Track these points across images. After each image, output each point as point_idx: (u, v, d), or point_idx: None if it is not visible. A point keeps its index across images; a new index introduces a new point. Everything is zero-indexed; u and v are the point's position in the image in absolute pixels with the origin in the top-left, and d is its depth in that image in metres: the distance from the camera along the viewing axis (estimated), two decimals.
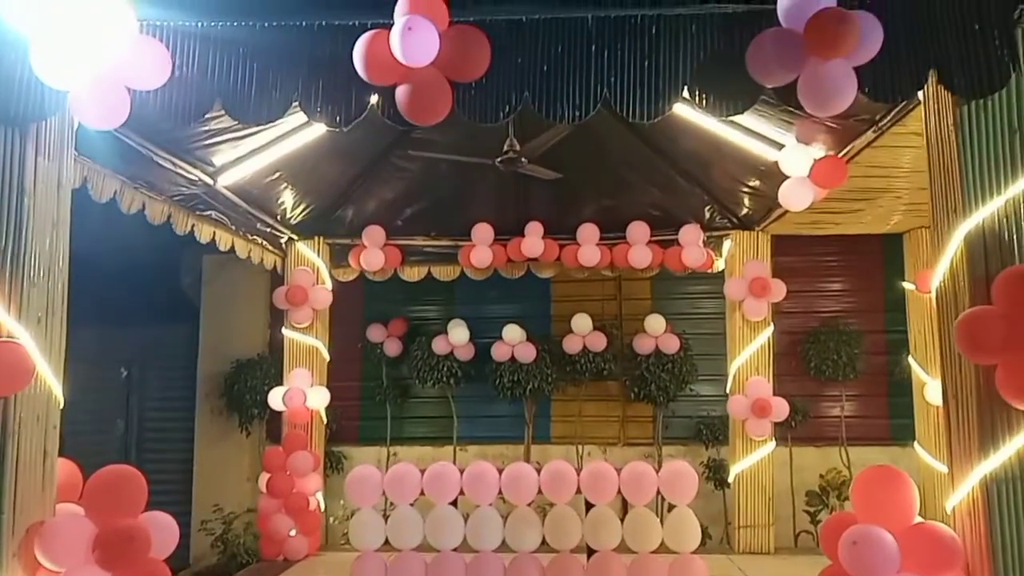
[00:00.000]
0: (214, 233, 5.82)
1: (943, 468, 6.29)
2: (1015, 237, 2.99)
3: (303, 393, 6.68)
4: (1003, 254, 2.99)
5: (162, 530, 3.29)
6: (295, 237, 7.02)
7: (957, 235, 3.09)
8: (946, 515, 3.15)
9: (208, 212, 5.63)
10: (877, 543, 2.82)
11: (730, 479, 6.90)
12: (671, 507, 6.42)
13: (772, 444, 6.77)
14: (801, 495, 7.55)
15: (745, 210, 6.72)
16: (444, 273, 7.38)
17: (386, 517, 4.42)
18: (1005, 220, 3.02)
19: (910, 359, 6.96)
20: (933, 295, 3.28)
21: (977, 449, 2.92)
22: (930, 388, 6.64)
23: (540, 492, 4.35)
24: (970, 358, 2.89)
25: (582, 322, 7.66)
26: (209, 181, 5.27)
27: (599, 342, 7.68)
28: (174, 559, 8.10)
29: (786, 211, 6.14)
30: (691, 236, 6.84)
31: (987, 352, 2.78)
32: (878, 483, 3.02)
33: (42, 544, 3.08)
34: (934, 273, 3.26)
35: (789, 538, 7.39)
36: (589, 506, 4.37)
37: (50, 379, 3.31)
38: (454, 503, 4.42)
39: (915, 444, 6.88)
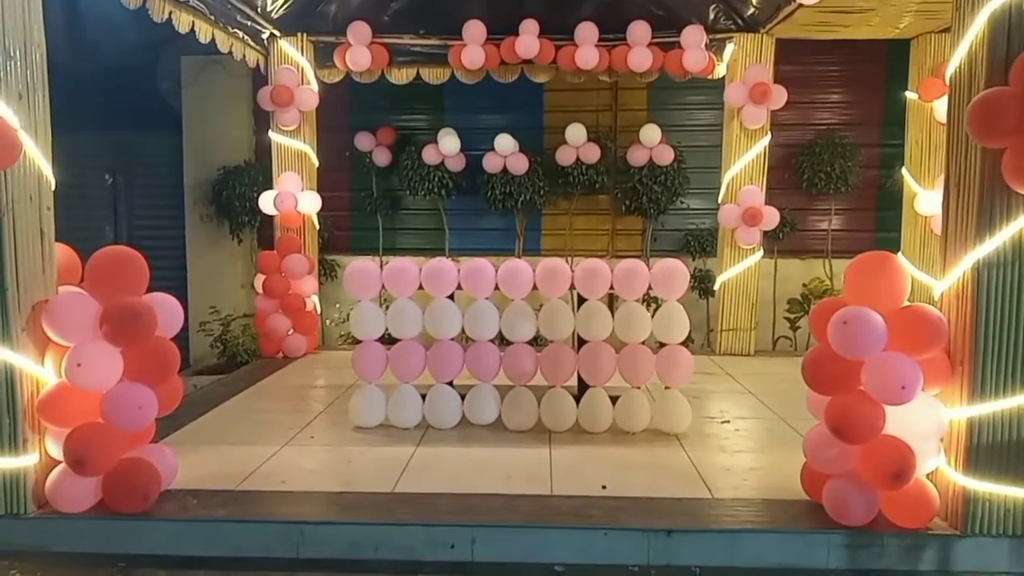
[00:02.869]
0: (193, 23, 5.48)
1: (925, 278, 6.49)
2: None
3: (294, 197, 6.61)
4: None
5: (167, 310, 3.33)
6: (277, 33, 6.65)
7: (981, 15, 2.95)
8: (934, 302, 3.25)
9: None
10: (867, 322, 2.91)
11: (716, 287, 7.09)
12: (657, 309, 6.69)
13: (760, 253, 6.88)
14: (783, 304, 7.80)
15: (751, 9, 6.38)
16: (434, 75, 7.08)
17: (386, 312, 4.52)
18: None
19: (903, 171, 6.93)
20: (948, 81, 3.19)
21: (974, 235, 2.96)
22: (921, 199, 6.67)
23: (535, 288, 4.44)
24: (980, 140, 2.84)
25: (576, 132, 7.51)
26: None
27: (593, 153, 7.58)
28: None
29: (795, 10, 5.87)
30: (694, 38, 6.53)
31: (998, 134, 2.73)
32: (871, 268, 3.07)
33: (49, 320, 3.14)
34: (949, 64, 3.15)
35: (768, 343, 7.73)
36: (581, 301, 4.48)
37: (39, 159, 3.23)
38: (451, 298, 4.51)
39: (899, 255, 7.01)
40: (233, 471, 3.71)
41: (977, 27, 2.97)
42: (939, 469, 3.13)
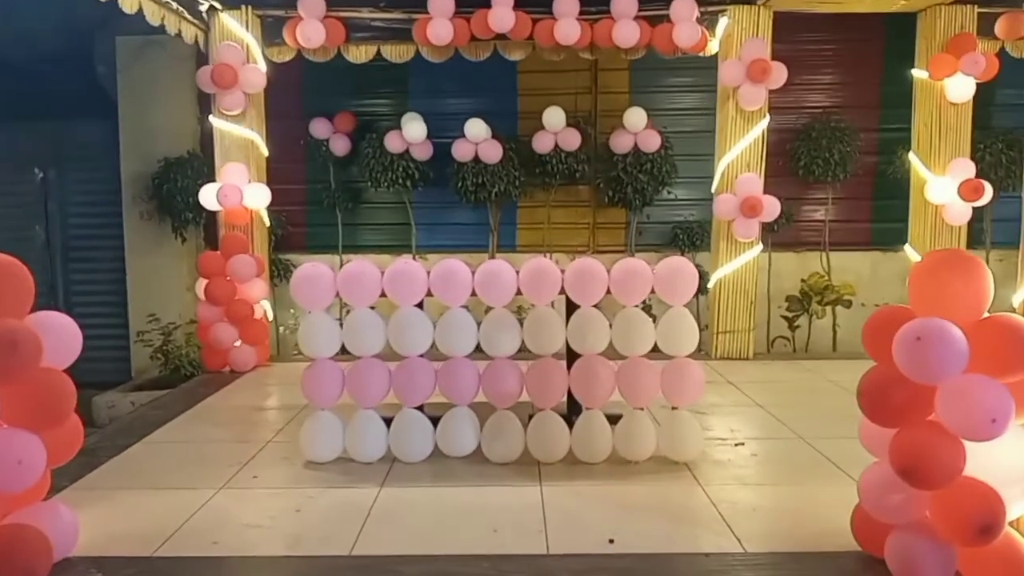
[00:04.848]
0: None
1: None
2: None
3: (239, 190, 5.86)
4: None
5: (58, 334, 2.62)
6: (218, 5, 5.89)
7: None
8: None
9: None
10: (946, 339, 2.31)
11: (711, 285, 6.49)
12: (649, 311, 6.10)
13: (759, 247, 6.30)
14: (778, 302, 7.27)
15: None
16: (396, 53, 6.37)
17: (341, 324, 3.84)
18: None
19: (911, 155, 6.40)
20: None
21: None
22: (932, 186, 6.14)
23: (519, 293, 3.79)
24: None
25: (554, 117, 6.88)
26: None
27: (572, 140, 6.96)
28: (114, 372, 7.61)
29: None
30: (684, 10, 5.90)
31: None
32: (945, 268, 2.48)
33: None
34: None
35: (764, 344, 7.18)
36: (572, 308, 3.85)
37: None
38: (419, 306, 3.85)
39: (906, 247, 6.50)
40: (154, 528, 3.01)
41: None
42: None
